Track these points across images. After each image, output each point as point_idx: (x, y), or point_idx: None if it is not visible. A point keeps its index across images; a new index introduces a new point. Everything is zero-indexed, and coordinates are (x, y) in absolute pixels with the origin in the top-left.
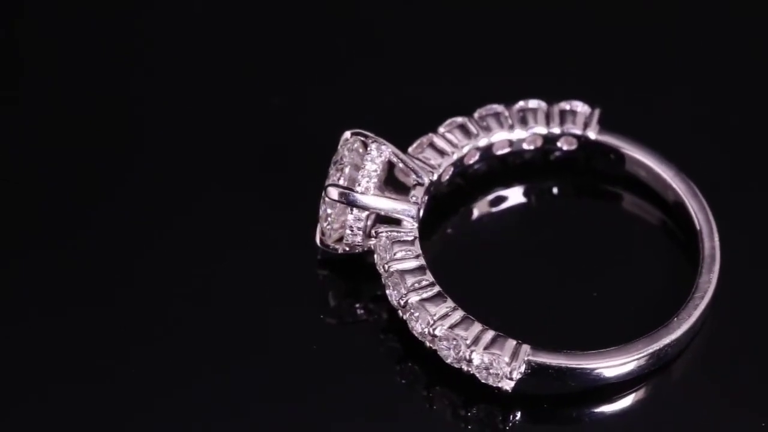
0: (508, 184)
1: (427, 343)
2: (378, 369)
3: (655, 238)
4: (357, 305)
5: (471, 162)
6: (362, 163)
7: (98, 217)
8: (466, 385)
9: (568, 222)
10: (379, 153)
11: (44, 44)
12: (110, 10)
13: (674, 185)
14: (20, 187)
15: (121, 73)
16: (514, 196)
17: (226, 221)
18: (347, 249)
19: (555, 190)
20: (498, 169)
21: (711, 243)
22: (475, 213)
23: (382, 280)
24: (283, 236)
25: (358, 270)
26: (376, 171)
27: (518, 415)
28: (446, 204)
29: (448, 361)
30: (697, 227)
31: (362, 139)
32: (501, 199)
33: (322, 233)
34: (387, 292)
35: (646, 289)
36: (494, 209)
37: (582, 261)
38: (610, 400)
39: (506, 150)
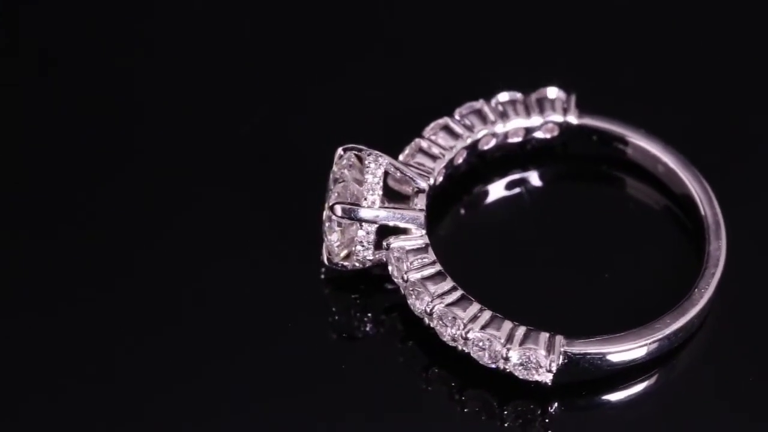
0: (500, 176)
1: (459, 347)
2: (403, 379)
3: (658, 224)
4: (367, 318)
5: (460, 162)
6: (363, 177)
7: (100, 226)
8: (498, 385)
9: (565, 209)
10: (378, 165)
11: (44, 46)
12: (110, 12)
13: (664, 159)
14: (20, 187)
15: (122, 76)
16: (522, 182)
17: (226, 236)
18: (356, 265)
19: (544, 179)
20: (489, 163)
21: (712, 210)
22: (474, 207)
23: (402, 291)
24: (283, 255)
25: (361, 283)
26: (378, 183)
27: (555, 406)
28: (439, 203)
29: (483, 362)
30: (696, 197)
31: (357, 153)
32: (500, 192)
33: (329, 252)
34: (409, 302)
35: (652, 273)
36: (492, 203)
37: (585, 247)
38: (636, 381)
39: (492, 144)
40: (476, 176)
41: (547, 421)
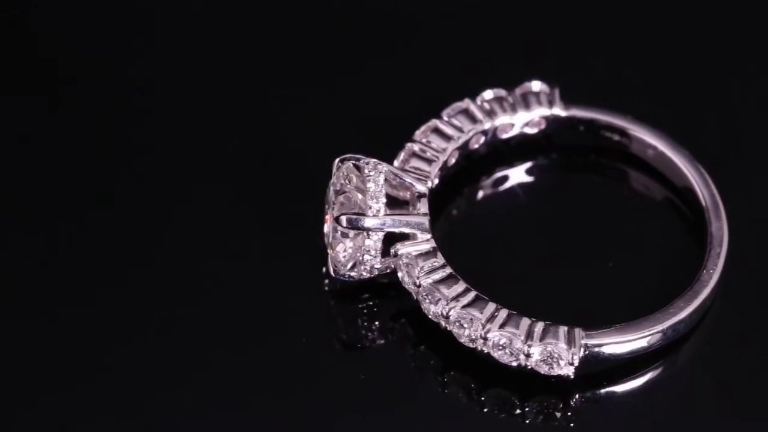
0: (493, 174)
1: (479, 348)
2: (421, 384)
3: (655, 211)
4: (376, 327)
5: (452, 162)
6: (364, 186)
7: (103, 237)
8: (517, 382)
9: (559, 202)
10: (378, 172)
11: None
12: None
13: (654, 143)
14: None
15: (123, 80)
16: (513, 178)
17: (228, 254)
18: (364, 275)
19: (535, 173)
20: (480, 161)
21: (709, 191)
22: (469, 206)
23: (414, 296)
24: (285, 269)
25: (365, 293)
26: (381, 191)
27: (576, 398)
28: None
29: (503, 360)
30: (691, 178)
31: (354, 162)
32: (496, 185)
33: (335, 264)
34: (423, 306)
35: (653, 261)
36: (486, 200)
37: (584, 239)
38: (652, 367)
39: (482, 142)
40: (468, 175)
41: (569, 414)
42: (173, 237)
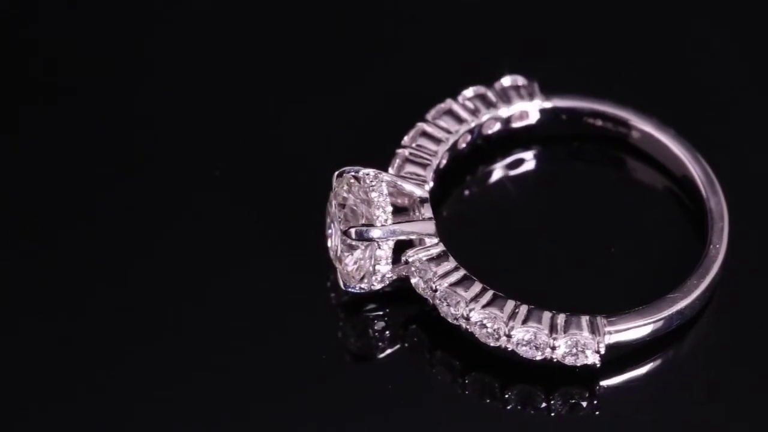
0: (483, 170)
1: (503, 346)
2: (441, 387)
3: (651, 195)
4: (388, 335)
5: (443, 164)
6: (367, 196)
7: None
8: (539, 375)
9: (551, 193)
10: (379, 182)
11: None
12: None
13: (639, 125)
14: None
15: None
16: (504, 171)
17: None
18: (375, 285)
19: (519, 167)
20: (465, 159)
21: (701, 167)
22: (461, 204)
23: (431, 301)
24: (290, 286)
25: (371, 303)
26: (385, 199)
27: (600, 385)
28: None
29: (527, 355)
30: (681, 157)
31: (353, 174)
32: (491, 178)
33: (344, 278)
34: (441, 310)
35: (654, 246)
36: (479, 197)
37: (586, 227)
38: (668, 348)
39: (469, 140)
40: (456, 175)
41: (595, 402)
42: (174, 254)
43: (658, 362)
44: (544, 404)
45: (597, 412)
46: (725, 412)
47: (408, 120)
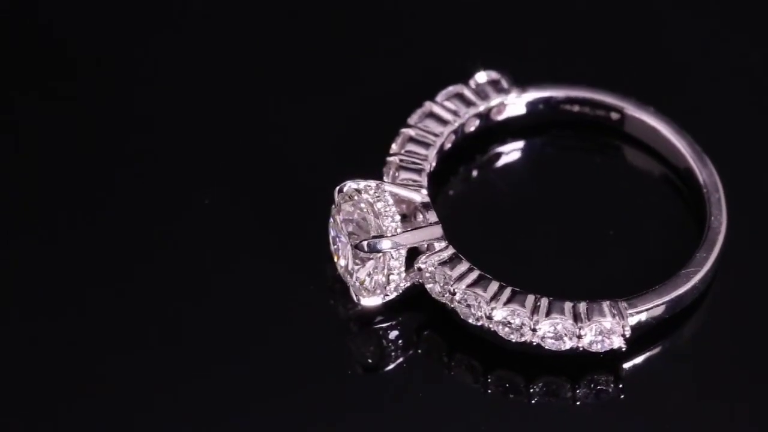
0: (474, 168)
1: (528, 340)
2: (463, 389)
3: (644, 179)
4: (402, 343)
5: (434, 166)
6: (374, 208)
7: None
8: (561, 367)
9: (543, 183)
10: (382, 192)
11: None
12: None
13: (620, 104)
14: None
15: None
16: (496, 164)
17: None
18: (389, 296)
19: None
20: (453, 161)
21: (686, 140)
22: (452, 203)
23: (449, 305)
24: (300, 305)
25: (379, 314)
26: (392, 208)
27: (624, 368)
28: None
29: (553, 348)
30: (665, 133)
31: (354, 187)
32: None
33: (357, 292)
34: (461, 312)
35: (653, 229)
36: (471, 193)
37: (583, 213)
38: (684, 325)
39: (453, 141)
40: (446, 174)
41: (620, 386)
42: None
43: (675, 338)
44: (570, 394)
45: (621, 396)
46: (750, 378)
47: (383, 125)
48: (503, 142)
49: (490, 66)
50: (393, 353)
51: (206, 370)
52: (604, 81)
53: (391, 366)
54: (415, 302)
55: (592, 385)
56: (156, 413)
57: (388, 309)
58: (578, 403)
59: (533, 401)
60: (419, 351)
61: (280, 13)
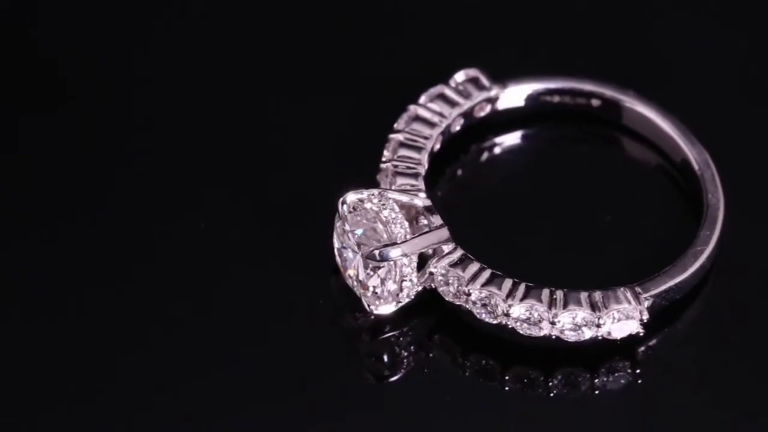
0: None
1: (547, 334)
2: (482, 388)
3: (648, 177)
4: (414, 348)
5: (427, 168)
6: (380, 216)
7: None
8: (578, 357)
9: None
10: (386, 199)
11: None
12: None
13: (598, 90)
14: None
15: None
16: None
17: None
18: (401, 303)
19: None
20: (441, 162)
21: (671, 121)
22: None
23: (465, 306)
24: (311, 319)
25: (388, 323)
26: (398, 214)
27: (640, 351)
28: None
29: (573, 339)
30: (646, 114)
31: (358, 197)
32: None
33: (369, 302)
34: (476, 312)
35: (648, 218)
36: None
37: (577, 202)
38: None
39: (441, 142)
40: (434, 177)
41: (638, 371)
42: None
43: (684, 319)
44: (588, 384)
45: (639, 381)
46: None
47: (383, 125)
48: (490, 139)
49: (469, 63)
50: (406, 360)
51: (206, 370)
52: (587, 73)
53: (407, 372)
54: (423, 307)
55: (610, 373)
56: (156, 413)
57: (398, 316)
58: (597, 391)
59: (551, 394)
60: (435, 354)
61: (280, 13)
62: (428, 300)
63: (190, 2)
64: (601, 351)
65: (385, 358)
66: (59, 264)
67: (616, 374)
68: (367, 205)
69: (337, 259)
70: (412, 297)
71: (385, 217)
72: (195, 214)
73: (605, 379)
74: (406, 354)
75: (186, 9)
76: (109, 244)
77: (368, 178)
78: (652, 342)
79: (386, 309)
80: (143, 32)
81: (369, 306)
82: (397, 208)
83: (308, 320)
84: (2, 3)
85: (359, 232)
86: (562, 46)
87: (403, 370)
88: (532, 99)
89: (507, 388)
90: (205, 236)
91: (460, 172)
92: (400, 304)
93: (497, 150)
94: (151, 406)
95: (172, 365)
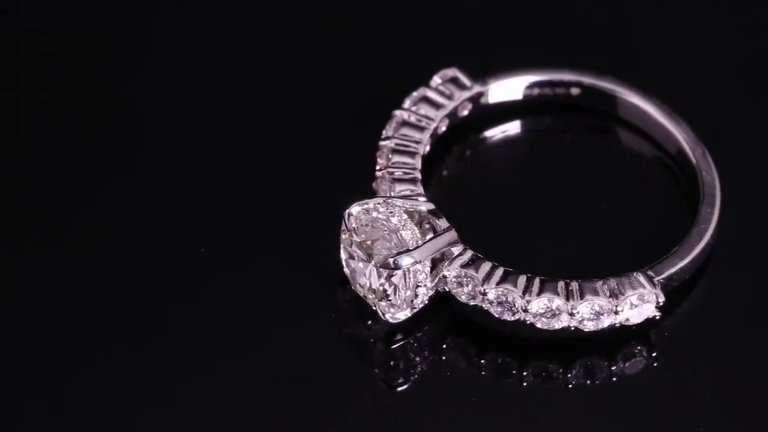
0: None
1: (566, 325)
2: (500, 387)
3: (645, 169)
4: (428, 353)
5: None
6: (389, 223)
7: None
8: (593, 347)
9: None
10: (392, 206)
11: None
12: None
13: (580, 79)
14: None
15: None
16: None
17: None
18: (417, 307)
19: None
20: (435, 164)
21: (659, 106)
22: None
23: (481, 305)
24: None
25: (398, 331)
26: (407, 219)
27: (653, 334)
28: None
29: (591, 328)
30: (633, 101)
31: (363, 207)
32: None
33: (383, 311)
34: (494, 310)
35: (642, 211)
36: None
37: (574, 193)
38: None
39: (429, 148)
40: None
41: (654, 354)
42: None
43: (693, 296)
44: (605, 371)
45: (655, 364)
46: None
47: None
48: (475, 137)
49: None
50: (422, 365)
51: (206, 370)
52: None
53: (424, 377)
54: (432, 311)
55: (627, 359)
56: (156, 412)
57: (408, 322)
58: (615, 378)
59: (569, 386)
60: (449, 356)
61: (280, 13)
62: (436, 303)
63: (189, 4)
64: (617, 338)
65: (401, 365)
66: (59, 264)
67: (635, 359)
68: (374, 215)
69: (346, 270)
70: (426, 302)
71: (395, 224)
72: (194, 213)
73: (623, 365)
74: (420, 359)
75: (186, 10)
76: (109, 244)
77: (359, 186)
78: (665, 324)
79: (402, 316)
80: (144, 31)
81: (384, 314)
82: (405, 215)
83: (320, 331)
84: (2, 2)
85: (369, 242)
86: (541, 39)
87: (419, 376)
88: (518, 93)
89: (526, 384)
90: (205, 237)
91: (447, 172)
92: (414, 310)
93: (485, 147)
94: (151, 405)
95: (172, 367)
